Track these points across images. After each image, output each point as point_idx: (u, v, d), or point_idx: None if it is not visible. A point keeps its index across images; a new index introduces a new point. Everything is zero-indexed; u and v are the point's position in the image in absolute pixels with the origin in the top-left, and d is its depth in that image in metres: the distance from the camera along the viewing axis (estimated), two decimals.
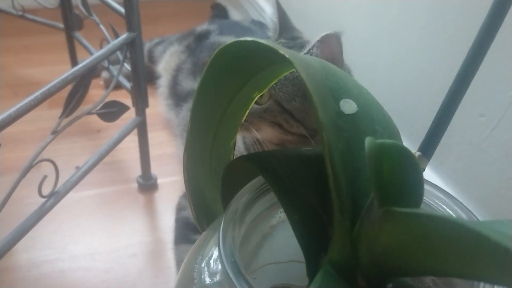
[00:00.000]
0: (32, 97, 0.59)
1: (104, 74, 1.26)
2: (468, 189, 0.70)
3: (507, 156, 0.62)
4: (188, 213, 0.83)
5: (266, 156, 0.41)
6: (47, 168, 0.66)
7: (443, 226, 0.23)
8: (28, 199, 0.70)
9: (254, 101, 0.43)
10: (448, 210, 0.35)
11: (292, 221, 0.33)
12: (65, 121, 0.67)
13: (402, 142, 0.35)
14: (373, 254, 0.28)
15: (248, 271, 0.33)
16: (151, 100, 0.90)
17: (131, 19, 0.78)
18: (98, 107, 0.75)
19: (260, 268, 0.42)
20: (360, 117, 0.35)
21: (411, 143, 0.40)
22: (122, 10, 0.79)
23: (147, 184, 0.97)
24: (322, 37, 0.61)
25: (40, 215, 0.68)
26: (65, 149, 1.04)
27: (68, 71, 0.66)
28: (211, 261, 0.38)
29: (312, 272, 0.32)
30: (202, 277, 0.36)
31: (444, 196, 0.35)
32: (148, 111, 0.89)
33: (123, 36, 0.78)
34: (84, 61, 0.70)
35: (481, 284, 0.29)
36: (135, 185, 0.98)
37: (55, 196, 0.70)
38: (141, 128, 0.90)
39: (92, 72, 0.70)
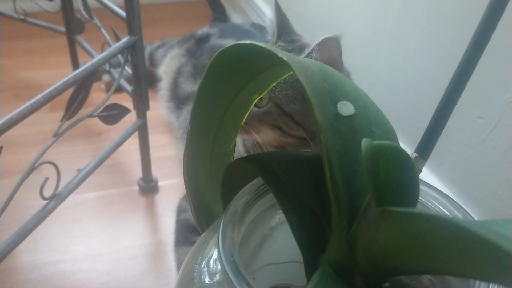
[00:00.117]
0: (34, 99, 0.60)
1: (105, 77, 1.26)
2: (467, 191, 0.71)
3: (505, 158, 0.62)
4: (189, 215, 0.84)
5: (266, 157, 0.42)
6: (48, 170, 0.67)
7: (438, 225, 0.23)
8: (29, 202, 0.70)
9: (253, 104, 0.44)
10: (444, 210, 0.35)
11: (290, 222, 0.34)
12: (67, 123, 0.68)
13: (399, 143, 0.36)
14: (370, 254, 0.28)
15: (248, 272, 0.33)
16: (152, 103, 0.91)
17: (132, 23, 0.78)
18: (100, 110, 0.76)
19: (259, 269, 0.42)
20: (358, 119, 0.35)
21: (410, 145, 0.40)
22: (123, 13, 0.80)
23: (148, 187, 0.98)
24: (322, 40, 0.62)
25: (41, 217, 0.69)
26: (66, 152, 1.04)
27: (70, 74, 0.67)
28: (211, 261, 0.38)
29: (310, 272, 0.32)
30: (202, 277, 0.37)
31: (440, 196, 0.35)
32: (149, 114, 0.90)
33: (124, 39, 0.79)
34: (86, 64, 0.70)
35: (477, 283, 0.29)
36: (136, 187, 0.99)
37: (57, 198, 0.70)
38: (142, 130, 0.91)
39: (93, 75, 0.70)
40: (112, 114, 0.78)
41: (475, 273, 0.25)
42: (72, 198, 0.75)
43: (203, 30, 1.23)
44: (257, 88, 0.42)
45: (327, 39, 0.61)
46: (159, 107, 1.16)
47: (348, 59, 0.68)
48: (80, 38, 1.19)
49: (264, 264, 0.42)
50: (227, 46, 0.34)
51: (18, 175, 0.62)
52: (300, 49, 0.70)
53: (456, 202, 0.34)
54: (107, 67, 0.89)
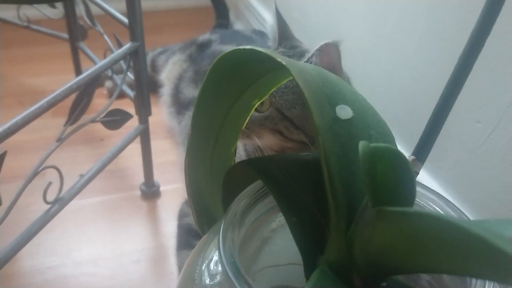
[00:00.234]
0: (37, 105, 0.60)
1: (108, 83, 1.27)
2: (466, 194, 0.71)
3: (504, 162, 0.63)
4: (190, 219, 0.84)
5: (266, 161, 0.42)
6: (51, 176, 0.68)
7: (433, 224, 0.24)
8: (32, 207, 0.71)
9: (254, 108, 0.45)
10: (440, 211, 0.36)
11: (290, 223, 0.34)
12: (70, 128, 0.68)
13: (396, 146, 0.37)
14: (367, 253, 0.29)
15: (248, 274, 0.34)
16: (153, 109, 0.91)
17: (135, 29, 0.79)
18: (102, 115, 0.76)
19: (259, 271, 0.42)
20: (356, 122, 0.36)
21: (409, 148, 0.41)
22: (125, 20, 0.81)
23: (150, 191, 0.99)
24: (321, 46, 0.62)
25: (44, 221, 0.69)
26: (69, 158, 1.05)
27: (73, 79, 0.68)
28: (212, 263, 0.39)
29: (309, 272, 0.33)
30: (203, 278, 0.37)
31: (437, 198, 0.36)
32: (150, 119, 0.91)
33: (127, 45, 0.80)
34: (89, 70, 0.71)
35: (473, 282, 0.30)
36: (138, 192, 0.99)
37: (60, 203, 0.71)
38: (144, 136, 0.92)
39: (96, 80, 0.71)
40: (115, 120, 0.79)
41: (470, 271, 0.25)
42: (75, 203, 0.75)
43: (204, 36, 1.24)
44: (257, 93, 0.43)
45: (326, 45, 0.62)
46: (161, 113, 1.17)
47: (348, 65, 0.68)
48: (83, 44, 1.20)
49: (264, 266, 0.43)
50: (227, 51, 0.35)
51: (20, 181, 0.63)
52: (300, 54, 0.71)
53: (453, 203, 0.35)
54: (109, 73, 0.90)
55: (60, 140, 0.67)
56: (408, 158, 0.38)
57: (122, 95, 0.93)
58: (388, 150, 0.29)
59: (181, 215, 0.87)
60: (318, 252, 0.33)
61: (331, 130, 0.34)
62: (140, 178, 0.99)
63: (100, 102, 1.14)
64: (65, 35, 1.22)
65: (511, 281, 0.23)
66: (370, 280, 0.31)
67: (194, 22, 1.72)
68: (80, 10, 1.11)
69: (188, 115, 1.02)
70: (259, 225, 0.43)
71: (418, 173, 0.38)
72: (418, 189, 0.35)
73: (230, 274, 0.31)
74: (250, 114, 0.45)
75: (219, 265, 0.38)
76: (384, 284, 0.31)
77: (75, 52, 1.23)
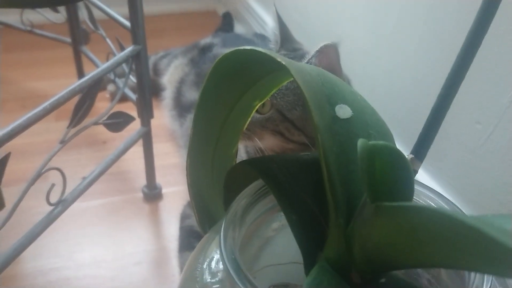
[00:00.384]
0: (41, 107, 0.61)
1: (110, 87, 1.28)
2: (466, 195, 0.71)
3: (503, 162, 0.63)
4: (192, 221, 0.85)
5: (266, 160, 0.43)
6: (54, 178, 0.68)
7: (431, 218, 0.24)
8: (35, 209, 0.71)
9: (255, 110, 0.45)
10: None
11: (290, 221, 0.35)
12: (73, 131, 0.69)
13: (395, 145, 0.37)
14: (365, 249, 0.29)
15: (249, 273, 0.34)
16: (155, 112, 0.92)
17: (137, 32, 0.80)
18: (105, 118, 0.77)
19: (260, 269, 0.43)
20: (355, 121, 0.36)
21: (408, 148, 0.41)
22: (128, 24, 0.82)
23: (152, 194, 0.99)
24: (321, 47, 0.63)
25: (47, 223, 0.70)
26: (72, 160, 1.06)
27: (76, 82, 0.69)
28: (213, 262, 0.39)
29: (309, 269, 0.33)
30: (204, 276, 0.38)
31: (435, 196, 0.36)
32: (152, 122, 0.91)
33: (129, 48, 0.80)
34: (92, 73, 0.72)
35: (472, 278, 0.30)
36: (140, 194, 1.00)
37: (62, 204, 0.72)
38: (146, 138, 0.92)
39: (98, 83, 0.72)
40: (117, 122, 0.80)
41: (469, 265, 0.26)
42: (77, 205, 0.76)
43: (206, 40, 1.25)
44: (258, 94, 0.44)
45: (325, 46, 0.63)
46: (163, 116, 1.18)
47: (348, 65, 0.69)
48: (85, 48, 1.21)
49: (265, 265, 0.43)
50: (228, 52, 0.36)
51: (23, 183, 0.63)
52: (301, 56, 0.71)
53: (451, 202, 0.35)
54: (112, 76, 0.91)
55: (63, 142, 0.67)
56: (407, 157, 0.38)
57: (124, 98, 0.93)
58: (386, 147, 0.29)
59: (183, 217, 0.88)
60: (318, 249, 0.34)
61: (330, 129, 0.34)
62: (142, 180, 1.00)
63: (102, 105, 1.15)
64: (68, 39, 1.23)
65: (509, 274, 0.23)
66: (369, 276, 0.31)
67: (195, 26, 1.74)
68: (82, 14, 1.12)
69: (190, 118, 1.03)
70: (259, 225, 0.44)
71: (417, 172, 0.39)
72: (416, 187, 0.36)
73: (231, 271, 0.32)
74: (251, 115, 0.45)
75: (220, 264, 0.38)
76: (383, 280, 0.31)
77: (78, 56, 1.24)
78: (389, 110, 0.87)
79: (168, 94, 1.18)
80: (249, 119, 0.46)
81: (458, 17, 0.69)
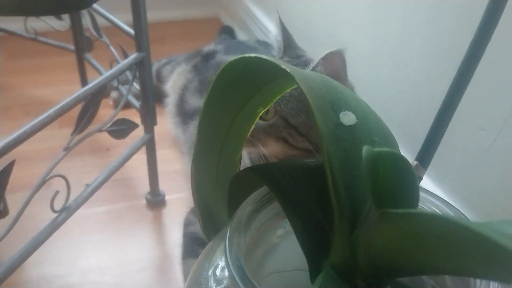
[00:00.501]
0: (46, 114, 0.61)
1: (113, 94, 1.29)
2: (470, 201, 0.71)
3: (508, 168, 0.63)
4: (195, 228, 0.85)
5: (270, 167, 0.43)
6: (57, 185, 0.68)
7: (436, 224, 0.24)
8: (39, 216, 0.72)
9: (258, 117, 0.45)
10: None
11: (294, 227, 0.35)
12: (77, 138, 0.69)
13: (399, 151, 0.37)
14: (371, 256, 0.29)
15: (254, 280, 0.34)
16: (159, 119, 0.92)
17: (141, 40, 0.80)
18: (109, 125, 0.77)
19: (265, 277, 0.43)
20: (359, 128, 0.36)
21: (412, 154, 0.41)
22: (131, 31, 0.82)
23: (155, 201, 0.99)
24: (326, 54, 0.63)
25: (51, 230, 0.70)
26: (75, 167, 1.06)
27: (80, 89, 0.69)
28: (218, 269, 0.39)
29: (315, 275, 0.33)
30: (209, 284, 0.38)
31: (440, 203, 0.36)
32: (156, 129, 0.92)
33: (133, 56, 0.81)
34: (96, 80, 0.72)
35: (477, 284, 0.30)
36: (144, 201, 1.00)
37: (67, 211, 0.72)
38: (150, 145, 0.92)
39: (103, 90, 0.72)
40: (121, 129, 0.80)
41: (474, 271, 0.26)
42: (80, 212, 0.76)
43: (209, 47, 1.26)
44: (262, 101, 0.44)
45: (331, 53, 0.63)
46: (166, 123, 1.18)
47: (351, 71, 0.69)
48: (89, 55, 1.22)
49: (269, 272, 0.43)
50: (233, 59, 0.36)
51: (27, 190, 0.63)
52: (305, 63, 0.72)
53: (456, 208, 0.35)
54: (115, 83, 0.91)
55: (68, 149, 0.68)
56: (411, 163, 0.38)
57: (127, 106, 0.94)
58: (391, 154, 0.29)
59: (187, 224, 0.88)
60: (323, 255, 0.34)
61: (334, 136, 0.34)
62: (145, 187, 1.00)
63: (105, 112, 1.15)
64: (71, 47, 1.23)
65: None
66: (374, 283, 0.31)
67: (198, 33, 1.74)
68: (86, 22, 1.12)
69: (193, 125, 1.03)
70: (264, 232, 0.44)
71: (421, 178, 0.39)
72: (421, 194, 0.36)
73: (237, 278, 0.32)
74: (255, 122, 0.45)
75: (225, 271, 0.38)
76: (388, 287, 0.31)
77: (81, 63, 1.24)
78: (392, 116, 0.87)
79: (171, 101, 1.18)
80: (253, 126, 0.46)
81: (461, 23, 0.69)
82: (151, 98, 0.87)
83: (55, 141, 0.86)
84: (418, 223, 0.25)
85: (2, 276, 0.62)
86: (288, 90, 0.44)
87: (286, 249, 0.45)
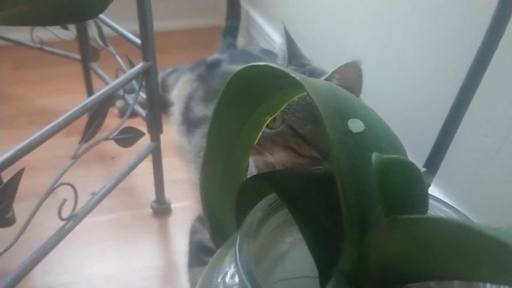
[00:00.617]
0: (54, 123, 0.62)
1: (119, 103, 1.29)
2: (476, 209, 0.71)
3: None
4: (202, 236, 0.85)
5: (278, 174, 0.43)
6: (64, 193, 0.69)
7: (446, 229, 0.24)
8: (45, 224, 0.72)
9: (265, 125, 0.46)
10: None
11: (304, 234, 0.35)
12: (84, 146, 0.70)
13: (407, 158, 0.37)
14: (381, 262, 0.29)
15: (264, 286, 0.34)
16: (164, 128, 0.93)
17: (147, 49, 0.81)
18: (115, 133, 0.78)
19: (273, 283, 0.43)
20: (367, 135, 0.37)
21: (419, 162, 0.42)
22: (137, 41, 0.83)
23: (161, 209, 0.99)
24: (340, 66, 0.62)
25: (58, 239, 0.70)
26: (81, 176, 1.06)
27: (87, 99, 0.70)
28: (227, 276, 0.39)
29: (324, 282, 0.33)
30: None
31: (449, 209, 0.37)
32: (162, 137, 0.92)
33: (139, 65, 0.81)
34: (102, 89, 0.73)
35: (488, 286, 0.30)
36: (149, 209, 1.00)
37: (74, 219, 0.72)
38: (156, 153, 0.93)
39: (110, 99, 0.73)
40: (127, 137, 0.81)
41: (485, 276, 0.26)
42: (86, 220, 0.76)
43: (214, 56, 1.26)
44: (268, 110, 0.44)
45: (346, 65, 0.62)
46: (171, 132, 1.19)
47: None
48: (94, 65, 1.22)
49: (278, 279, 0.43)
50: (242, 67, 0.36)
51: (34, 199, 0.64)
52: (310, 72, 0.72)
53: (464, 214, 0.35)
54: (121, 92, 0.92)
55: (75, 157, 0.68)
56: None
57: (133, 114, 0.94)
58: (400, 160, 0.30)
59: (193, 232, 0.88)
60: (332, 262, 0.34)
61: (343, 143, 0.35)
62: (151, 195, 1.00)
63: (111, 121, 1.16)
64: (77, 56, 1.24)
65: None
66: None
67: (203, 42, 1.75)
68: (92, 31, 1.13)
69: (198, 133, 1.04)
70: (272, 239, 0.44)
71: (429, 185, 0.39)
72: (430, 201, 0.36)
73: (248, 285, 0.32)
74: (262, 130, 0.46)
75: (235, 277, 0.38)
76: None
77: (87, 73, 1.25)
78: (399, 124, 0.87)
79: (176, 110, 1.19)
80: (260, 134, 0.46)
81: (467, 30, 0.70)
82: (158, 106, 0.87)
83: (61, 150, 0.86)
84: (429, 228, 0.25)
85: (9, 285, 0.62)
86: (295, 98, 0.44)
87: (295, 256, 0.45)
